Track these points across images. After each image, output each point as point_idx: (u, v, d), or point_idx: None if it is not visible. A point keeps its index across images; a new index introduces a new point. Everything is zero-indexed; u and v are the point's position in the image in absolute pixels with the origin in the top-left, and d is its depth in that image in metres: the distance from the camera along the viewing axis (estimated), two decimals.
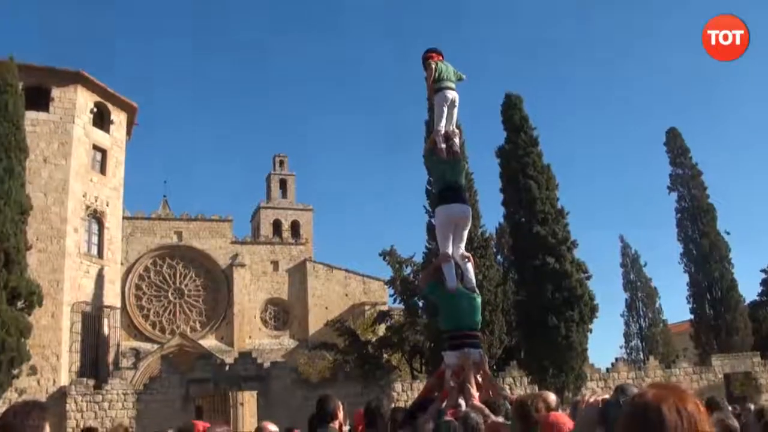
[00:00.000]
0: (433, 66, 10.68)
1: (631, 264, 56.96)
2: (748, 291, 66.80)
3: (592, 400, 3.66)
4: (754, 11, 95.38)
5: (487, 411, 6.36)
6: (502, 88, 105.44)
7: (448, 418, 6.49)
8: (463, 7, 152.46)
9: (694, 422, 2.03)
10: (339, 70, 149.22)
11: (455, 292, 9.62)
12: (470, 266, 9.96)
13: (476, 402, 7.29)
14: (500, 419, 6.24)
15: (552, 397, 7.17)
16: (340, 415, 6.31)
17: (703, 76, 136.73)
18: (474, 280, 9.87)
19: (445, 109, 10.58)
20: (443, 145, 10.43)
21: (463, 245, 10.25)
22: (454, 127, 10.72)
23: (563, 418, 5.55)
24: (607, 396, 4.68)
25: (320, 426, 6.30)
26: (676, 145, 46.61)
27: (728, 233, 44.13)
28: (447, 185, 10.55)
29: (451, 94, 10.58)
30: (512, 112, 35.89)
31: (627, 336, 55.68)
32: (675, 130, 47.32)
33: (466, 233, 10.45)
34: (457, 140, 10.59)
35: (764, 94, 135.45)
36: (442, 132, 10.51)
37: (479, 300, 9.78)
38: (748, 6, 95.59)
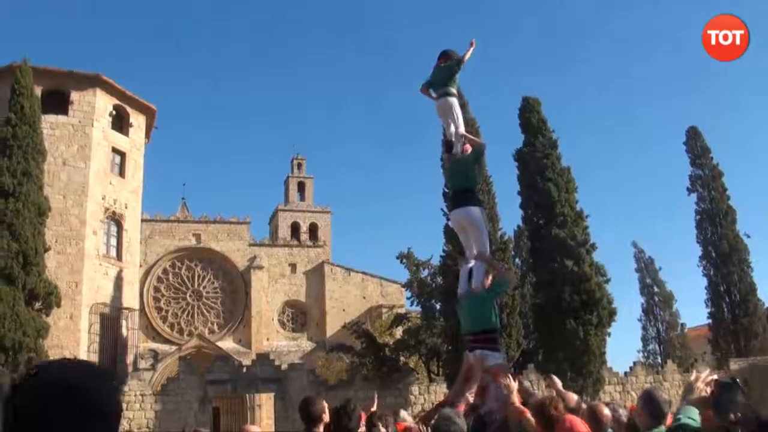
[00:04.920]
0: (426, 86, 10.61)
1: (646, 268, 56.45)
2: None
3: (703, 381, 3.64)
4: (754, 11, 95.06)
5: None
6: (522, 91, 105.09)
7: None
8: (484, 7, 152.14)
9: None
10: (358, 71, 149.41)
11: (462, 297, 9.54)
12: (481, 267, 9.70)
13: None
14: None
15: (572, 398, 7.12)
16: (326, 417, 5.83)
17: (723, 72, 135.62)
18: (480, 281, 9.48)
19: (448, 116, 10.45)
20: (446, 154, 10.47)
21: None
22: (461, 128, 10.47)
23: (578, 423, 5.52)
24: (717, 377, 4.65)
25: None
26: (696, 145, 45.43)
27: (748, 236, 43.16)
28: (451, 192, 10.67)
29: (442, 102, 10.44)
30: (530, 115, 35.74)
31: (644, 340, 55.27)
32: (695, 129, 46.11)
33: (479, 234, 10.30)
34: (467, 138, 10.42)
35: None
36: (444, 141, 10.62)
37: (480, 299, 9.29)
38: (748, 6, 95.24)
